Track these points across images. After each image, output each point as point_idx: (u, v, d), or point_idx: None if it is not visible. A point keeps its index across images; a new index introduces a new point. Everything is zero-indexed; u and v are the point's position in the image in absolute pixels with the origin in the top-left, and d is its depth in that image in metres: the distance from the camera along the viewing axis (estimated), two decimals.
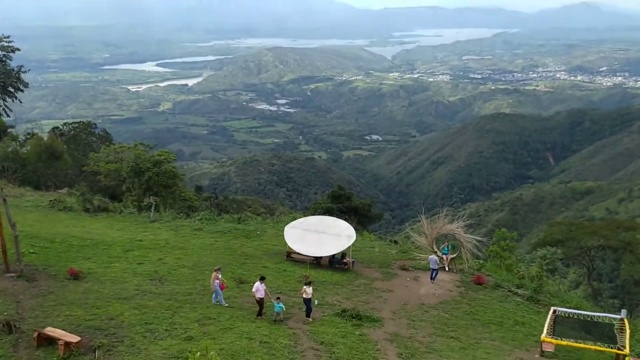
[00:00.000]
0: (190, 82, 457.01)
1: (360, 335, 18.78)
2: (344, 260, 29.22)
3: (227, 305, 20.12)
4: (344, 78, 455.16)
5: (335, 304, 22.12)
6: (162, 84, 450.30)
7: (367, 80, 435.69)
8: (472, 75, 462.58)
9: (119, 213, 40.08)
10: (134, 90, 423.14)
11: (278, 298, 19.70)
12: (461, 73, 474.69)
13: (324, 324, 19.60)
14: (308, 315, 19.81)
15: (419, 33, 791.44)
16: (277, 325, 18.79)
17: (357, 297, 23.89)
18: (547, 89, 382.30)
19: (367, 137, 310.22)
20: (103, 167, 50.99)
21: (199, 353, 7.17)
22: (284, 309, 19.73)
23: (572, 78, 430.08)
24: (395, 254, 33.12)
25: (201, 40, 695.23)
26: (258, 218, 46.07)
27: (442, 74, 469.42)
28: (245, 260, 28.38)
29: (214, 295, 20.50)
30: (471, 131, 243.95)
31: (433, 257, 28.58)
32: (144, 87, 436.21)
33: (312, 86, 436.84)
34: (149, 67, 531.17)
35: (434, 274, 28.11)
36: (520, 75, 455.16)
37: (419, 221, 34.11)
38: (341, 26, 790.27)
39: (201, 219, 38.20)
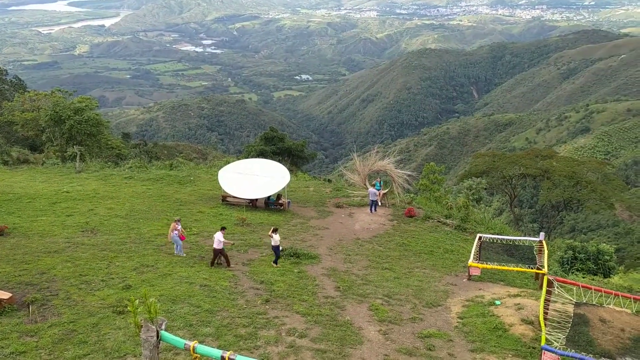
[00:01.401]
0: (107, 23, 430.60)
1: (299, 272, 19.23)
2: (280, 201, 29.50)
3: (184, 255, 19.92)
4: (270, 16, 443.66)
5: None
6: (76, 25, 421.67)
7: (295, 18, 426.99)
8: (398, 11, 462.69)
9: (41, 165, 38.24)
10: (45, 32, 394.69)
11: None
12: (388, 9, 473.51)
13: (262, 264, 19.90)
14: (275, 262, 19.84)
15: None
16: (216, 268, 18.90)
17: (294, 236, 24.31)
18: (470, 24, 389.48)
19: (297, 77, 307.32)
20: (19, 116, 48.21)
21: (137, 300, 7.09)
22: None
23: (494, 12, 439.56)
24: (330, 193, 33.72)
25: None
26: (191, 163, 45.40)
27: (369, 10, 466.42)
28: (180, 206, 28.02)
29: (175, 246, 20.16)
30: (399, 68, 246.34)
31: (372, 189, 29.58)
32: (57, 28, 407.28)
33: (238, 25, 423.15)
34: (60, 6, 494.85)
35: (373, 206, 29.17)
36: (444, 10, 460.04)
37: (352, 159, 34.64)
38: None
39: (131, 167, 37.09)
